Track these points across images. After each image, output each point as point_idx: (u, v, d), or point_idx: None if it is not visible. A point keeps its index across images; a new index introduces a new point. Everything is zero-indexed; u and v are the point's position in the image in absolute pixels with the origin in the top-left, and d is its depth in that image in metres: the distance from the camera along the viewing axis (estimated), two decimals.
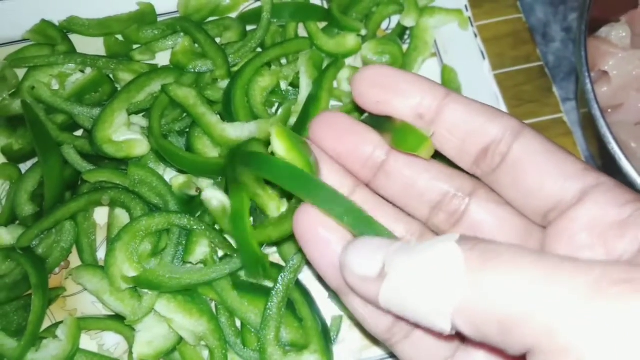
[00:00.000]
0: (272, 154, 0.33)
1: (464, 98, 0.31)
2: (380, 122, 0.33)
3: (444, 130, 0.31)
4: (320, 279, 0.49)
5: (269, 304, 0.45)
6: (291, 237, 0.35)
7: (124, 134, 0.51)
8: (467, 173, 0.32)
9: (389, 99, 0.31)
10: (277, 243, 0.50)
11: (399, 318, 0.28)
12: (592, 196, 0.26)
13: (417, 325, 0.26)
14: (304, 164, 0.32)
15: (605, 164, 0.48)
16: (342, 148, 0.33)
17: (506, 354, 0.23)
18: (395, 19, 0.60)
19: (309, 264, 0.43)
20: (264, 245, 0.49)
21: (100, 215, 0.53)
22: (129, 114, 0.53)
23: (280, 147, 0.32)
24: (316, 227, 0.31)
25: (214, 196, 0.47)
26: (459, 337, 0.30)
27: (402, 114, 0.31)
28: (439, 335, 0.26)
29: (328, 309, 0.48)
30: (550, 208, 0.28)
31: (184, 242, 0.48)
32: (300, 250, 0.45)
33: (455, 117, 0.30)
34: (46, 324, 0.49)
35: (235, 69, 0.55)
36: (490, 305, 0.22)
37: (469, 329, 0.23)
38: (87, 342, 0.49)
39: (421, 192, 0.32)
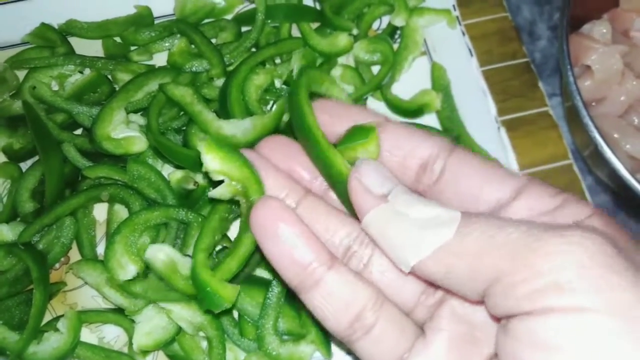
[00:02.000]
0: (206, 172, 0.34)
1: (398, 123, 0.34)
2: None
3: (386, 151, 0.33)
4: None
5: (269, 293, 0.46)
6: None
7: (123, 131, 0.52)
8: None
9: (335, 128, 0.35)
10: None
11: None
12: (527, 192, 0.30)
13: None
14: (245, 171, 0.33)
15: (590, 154, 0.50)
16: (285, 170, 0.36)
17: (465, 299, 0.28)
18: (385, 19, 0.62)
19: None
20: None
21: (100, 211, 0.54)
22: (128, 113, 0.54)
23: (213, 160, 0.33)
24: (276, 223, 0.31)
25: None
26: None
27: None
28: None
29: None
30: (492, 209, 0.31)
31: (181, 236, 0.49)
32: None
33: (395, 139, 0.33)
34: (47, 318, 0.50)
35: (231, 68, 0.57)
36: (469, 251, 0.26)
37: (437, 270, 0.27)
38: (88, 335, 0.50)
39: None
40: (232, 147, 0.34)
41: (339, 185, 0.34)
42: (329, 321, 0.32)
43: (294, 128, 0.37)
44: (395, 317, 0.32)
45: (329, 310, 0.31)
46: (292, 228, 0.31)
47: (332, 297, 0.31)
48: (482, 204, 0.31)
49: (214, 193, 0.35)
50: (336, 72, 0.57)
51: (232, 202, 0.37)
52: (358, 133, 0.33)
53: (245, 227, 0.36)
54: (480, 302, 0.28)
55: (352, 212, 0.33)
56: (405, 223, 0.28)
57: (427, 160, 0.33)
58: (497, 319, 0.28)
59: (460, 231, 0.27)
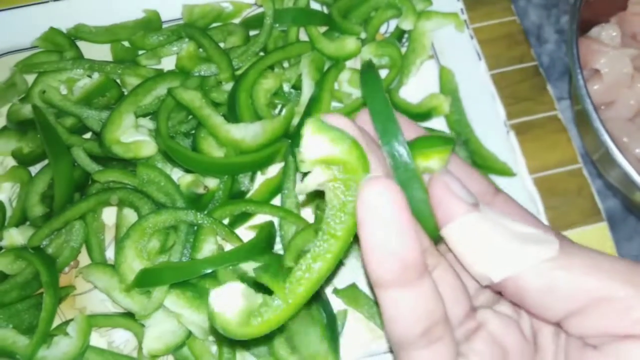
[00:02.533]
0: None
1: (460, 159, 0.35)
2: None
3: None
4: None
5: None
6: None
7: (132, 135, 0.52)
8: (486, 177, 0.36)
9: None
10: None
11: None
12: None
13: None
14: (354, 152, 0.27)
15: (600, 157, 0.50)
16: None
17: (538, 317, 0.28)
18: (393, 23, 0.62)
19: None
20: None
21: (108, 215, 0.54)
22: (136, 117, 0.55)
23: (322, 143, 0.27)
24: (394, 206, 0.26)
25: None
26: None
27: None
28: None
29: (333, 304, 0.49)
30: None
31: (191, 240, 0.50)
32: None
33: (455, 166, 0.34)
34: (56, 322, 0.50)
35: (239, 72, 0.57)
36: (576, 267, 0.27)
37: (536, 283, 0.28)
38: (97, 339, 0.50)
39: None
40: (336, 126, 0.28)
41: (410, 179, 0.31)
42: (399, 325, 0.28)
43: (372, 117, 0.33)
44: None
45: (407, 315, 0.28)
46: (405, 215, 0.27)
47: (415, 304, 0.28)
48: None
49: (308, 184, 0.28)
50: (344, 75, 0.57)
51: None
52: (436, 140, 0.32)
53: (317, 256, 0.28)
54: (554, 322, 0.29)
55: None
56: (503, 235, 0.28)
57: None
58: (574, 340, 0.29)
59: (564, 250, 0.27)
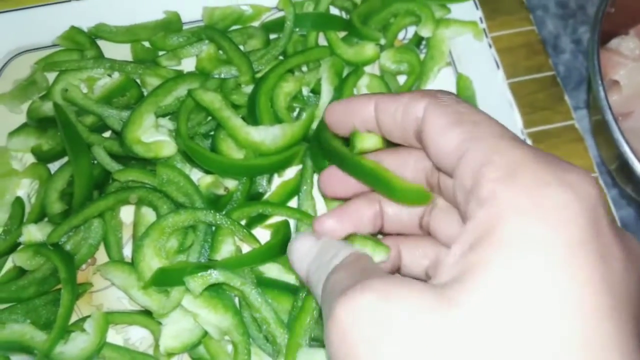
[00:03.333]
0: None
1: (386, 97, 0.37)
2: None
3: (384, 127, 0.37)
4: None
5: (298, 300, 0.46)
6: None
7: (153, 135, 0.53)
8: None
9: (347, 128, 0.40)
10: None
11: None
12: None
13: None
14: None
15: (617, 167, 0.50)
16: None
17: None
18: (410, 30, 0.62)
19: None
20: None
21: (126, 213, 0.55)
22: (156, 117, 0.55)
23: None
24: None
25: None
26: None
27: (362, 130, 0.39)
28: None
29: None
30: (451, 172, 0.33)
31: (209, 240, 0.50)
32: None
33: (386, 112, 0.36)
34: (73, 318, 0.50)
35: (259, 75, 0.58)
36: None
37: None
38: (113, 336, 0.50)
39: (412, 179, 0.38)
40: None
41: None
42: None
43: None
44: None
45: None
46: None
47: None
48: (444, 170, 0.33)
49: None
50: (363, 81, 0.57)
51: None
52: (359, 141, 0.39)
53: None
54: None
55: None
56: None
57: (416, 127, 0.35)
58: None
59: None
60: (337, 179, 0.42)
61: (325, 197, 0.51)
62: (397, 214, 0.39)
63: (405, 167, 0.38)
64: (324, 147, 0.43)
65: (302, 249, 0.37)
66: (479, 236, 0.26)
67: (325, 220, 0.39)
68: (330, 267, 0.33)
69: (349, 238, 0.39)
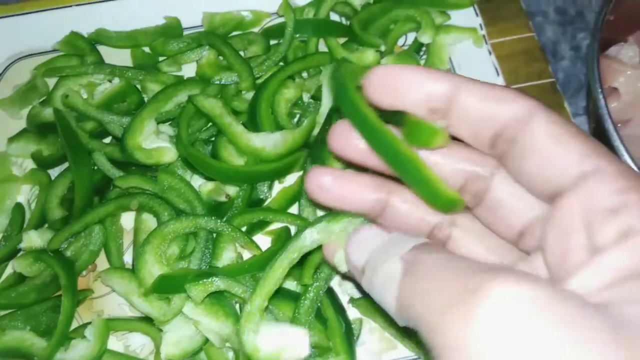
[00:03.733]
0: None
1: (476, 83, 0.30)
2: (394, 117, 0.32)
3: (455, 119, 0.30)
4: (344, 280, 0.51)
5: (299, 308, 0.46)
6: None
7: (154, 141, 0.53)
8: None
9: (399, 99, 0.31)
10: None
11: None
12: (587, 183, 0.27)
13: None
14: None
15: None
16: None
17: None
18: (410, 36, 0.63)
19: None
20: None
21: (126, 220, 0.55)
22: (157, 123, 0.55)
23: None
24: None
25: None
26: None
27: (415, 109, 0.31)
28: None
29: (349, 313, 0.50)
30: (551, 193, 0.29)
31: (210, 247, 0.50)
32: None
33: (467, 105, 0.30)
34: (73, 325, 0.50)
35: (259, 81, 0.58)
36: (407, 308, 0.27)
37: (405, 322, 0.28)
38: (114, 342, 0.50)
39: (446, 178, 0.32)
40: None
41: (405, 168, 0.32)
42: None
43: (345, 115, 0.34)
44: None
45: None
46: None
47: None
48: (540, 187, 0.29)
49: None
50: None
51: None
52: (423, 133, 0.31)
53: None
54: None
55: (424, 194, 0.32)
56: (377, 287, 0.31)
57: (501, 130, 0.29)
58: None
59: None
60: (350, 140, 0.34)
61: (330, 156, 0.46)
62: (409, 213, 0.34)
63: (442, 166, 0.33)
64: (346, 109, 0.33)
65: (365, 237, 0.33)
66: None
67: (323, 174, 0.34)
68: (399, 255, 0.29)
69: (333, 215, 0.36)
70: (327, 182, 0.34)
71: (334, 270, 0.48)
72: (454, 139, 0.32)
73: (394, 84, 0.31)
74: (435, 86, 0.30)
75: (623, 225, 0.25)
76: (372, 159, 0.34)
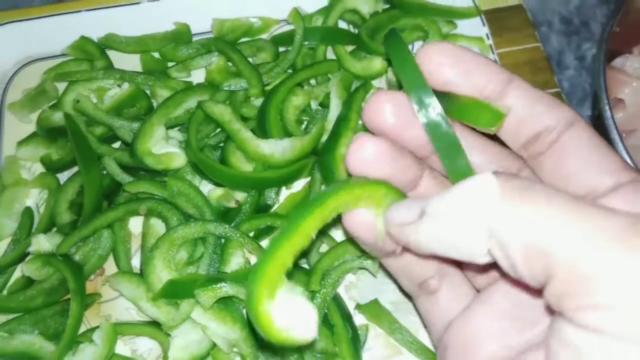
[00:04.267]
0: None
1: (526, 85, 0.32)
2: (441, 96, 0.33)
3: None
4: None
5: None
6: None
7: (163, 147, 0.53)
8: (513, 152, 0.34)
9: (457, 79, 0.31)
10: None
11: (437, 258, 0.32)
12: (623, 191, 0.28)
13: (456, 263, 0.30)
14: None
15: None
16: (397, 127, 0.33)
17: (528, 286, 0.25)
18: (417, 45, 0.63)
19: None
20: None
21: (134, 224, 0.55)
22: (166, 128, 0.55)
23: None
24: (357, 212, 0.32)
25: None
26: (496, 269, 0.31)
27: (467, 93, 0.32)
28: (476, 268, 0.31)
29: (355, 319, 0.50)
30: (582, 196, 0.29)
31: (218, 252, 0.50)
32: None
33: (516, 103, 0.31)
34: (81, 329, 0.50)
35: (267, 88, 0.58)
36: (518, 234, 0.24)
37: (499, 255, 0.25)
38: (121, 347, 0.50)
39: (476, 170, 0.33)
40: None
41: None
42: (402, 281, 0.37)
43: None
44: (456, 284, 0.35)
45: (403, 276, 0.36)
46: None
47: (408, 268, 0.35)
48: (572, 189, 0.30)
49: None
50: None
51: None
52: (486, 114, 0.31)
53: None
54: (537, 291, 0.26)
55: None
56: (452, 218, 0.26)
57: (542, 131, 0.31)
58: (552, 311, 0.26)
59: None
60: (384, 115, 0.33)
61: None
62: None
63: (488, 167, 0.34)
64: (402, 66, 0.32)
65: (405, 211, 0.30)
66: None
67: (367, 139, 0.32)
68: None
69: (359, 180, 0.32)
70: (370, 146, 0.32)
71: (341, 274, 0.49)
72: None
73: (462, 63, 0.31)
74: (497, 75, 0.31)
75: None
76: (405, 134, 0.33)
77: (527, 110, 0.31)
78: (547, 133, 0.31)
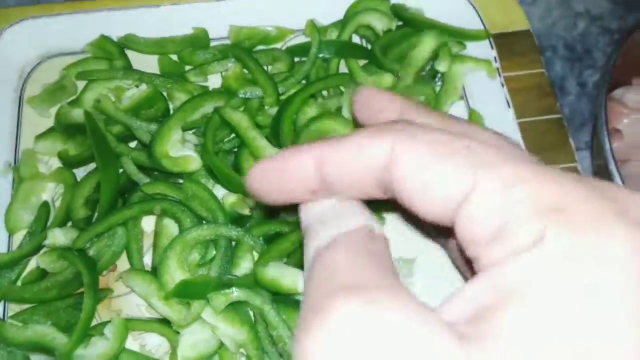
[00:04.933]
0: None
1: (334, 139, 0.26)
2: None
3: (337, 188, 0.26)
4: None
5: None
6: None
7: (179, 150, 0.55)
8: None
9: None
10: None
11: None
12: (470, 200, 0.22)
13: None
14: None
15: None
16: None
17: None
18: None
19: None
20: None
21: (146, 222, 0.57)
22: (183, 131, 0.57)
23: None
24: None
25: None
26: None
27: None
28: None
29: None
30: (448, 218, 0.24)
31: (229, 254, 0.52)
32: None
33: (333, 165, 0.26)
34: (93, 322, 0.52)
35: (282, 98, 0.60)
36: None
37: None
38: (130, 342, 0.52)
39: None
40: None
41: None
42: None
43: None
44: None
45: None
46: None
47: None
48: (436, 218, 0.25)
49: None
50: None
51: None
52: None
53: None
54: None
55: None
56: None
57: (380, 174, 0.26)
58: None
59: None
60: (375, 108, 0.30)
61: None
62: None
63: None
64: None
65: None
66: (519, 295, 0.19)
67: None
68: (331, 233, 0.24)
69: None
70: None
71: None
72: None
73: (273, 187, 0.27)
74: (300, 172, 0.26)
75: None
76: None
77: (346, 173, 0.26)
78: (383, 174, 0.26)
